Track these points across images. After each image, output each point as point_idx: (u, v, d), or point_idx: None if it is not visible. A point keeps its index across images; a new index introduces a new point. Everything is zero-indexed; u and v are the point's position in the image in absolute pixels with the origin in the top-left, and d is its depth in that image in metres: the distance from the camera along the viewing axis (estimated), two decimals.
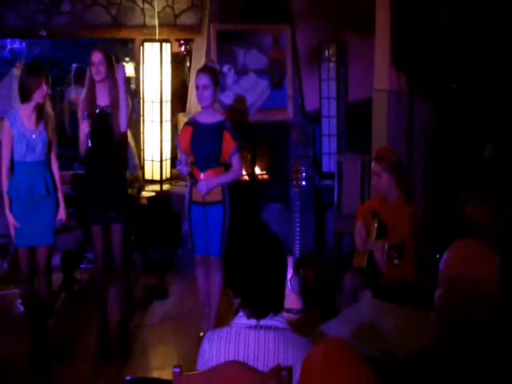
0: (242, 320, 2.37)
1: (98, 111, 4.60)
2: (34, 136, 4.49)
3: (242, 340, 2.33)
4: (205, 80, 4.65)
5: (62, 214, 4.64)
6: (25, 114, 4.50)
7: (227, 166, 4.83)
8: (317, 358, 1.70)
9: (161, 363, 4.72)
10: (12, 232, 4.55)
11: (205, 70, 4.77)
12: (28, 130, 4.49)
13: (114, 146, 4.65)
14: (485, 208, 3.37)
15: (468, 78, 5.38)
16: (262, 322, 2.35)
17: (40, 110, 4.52)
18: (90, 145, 4.54)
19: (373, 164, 4.48)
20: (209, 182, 4.66)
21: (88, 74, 4.64)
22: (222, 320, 4.89)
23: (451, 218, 4.19)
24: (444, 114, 5.86)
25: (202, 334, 4.85)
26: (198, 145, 4.70)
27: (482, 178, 3.47)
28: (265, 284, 2.34)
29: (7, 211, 4.52)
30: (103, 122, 4.60)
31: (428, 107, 5.94)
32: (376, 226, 4.36)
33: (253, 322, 2.35)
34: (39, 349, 4.65)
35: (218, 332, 2.39)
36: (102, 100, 4.63)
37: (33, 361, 4.59)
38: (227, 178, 4.76)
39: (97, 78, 4.57)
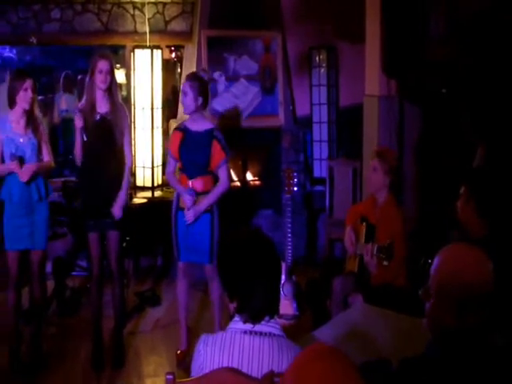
0: (237, 325, 2.37)
1: (98, 118, 4.58)
2: (21, 140, 4.50)
3: (236, 345, 2.33)
4: (185, 86, 4.62)
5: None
6: (14, 118, 4.51)
7: (216, 175, 4.77)
8: (301, 365, 1.68)
9: (153, 370, 4.70)
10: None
11: (188, 77, 4.73)
12: (16, 134, 4.50)
13: (115, 152, 4.65)
14: (472, 209, 3.34)
15: (458, 83, 5.41)
16: (258, 328, 2.34)
17: (29, 116, 4.53)
18: (81, 156, 4.58)
19: (374, 159, 4.45)
20: (196, 209, 4.61)
21: (88, 81, 4.61)
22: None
23: (442, 222, 4.20)
24: (434, 119, 5.89)
25: (179, 351, 4.85)
26: (186, 151, 4.66)
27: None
28: (261, 286, 2.34)
29: None
30: (104, 128, 4.60)
31: (418, 112, 5.96)
32: (364, 229, 4.38)
33: (248, 326, 2.35)
34: (31, 355, 4.66)
35: (214, 336, 2.39)
36: (101, 107, 4.62)
37: (16, 368, 4.58)
38: (214, 195, 4.65)
39: (103, 86, 4.56)
